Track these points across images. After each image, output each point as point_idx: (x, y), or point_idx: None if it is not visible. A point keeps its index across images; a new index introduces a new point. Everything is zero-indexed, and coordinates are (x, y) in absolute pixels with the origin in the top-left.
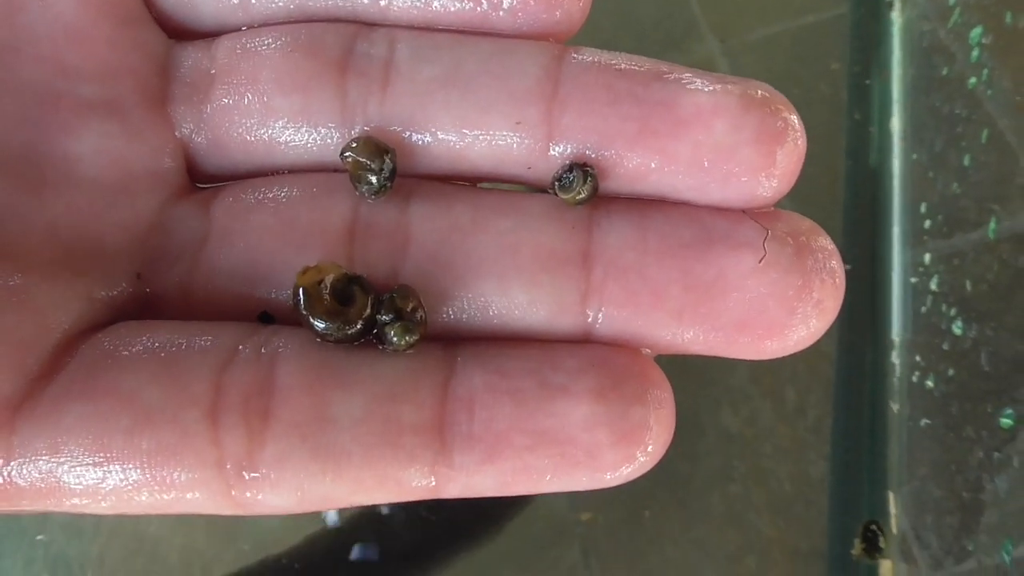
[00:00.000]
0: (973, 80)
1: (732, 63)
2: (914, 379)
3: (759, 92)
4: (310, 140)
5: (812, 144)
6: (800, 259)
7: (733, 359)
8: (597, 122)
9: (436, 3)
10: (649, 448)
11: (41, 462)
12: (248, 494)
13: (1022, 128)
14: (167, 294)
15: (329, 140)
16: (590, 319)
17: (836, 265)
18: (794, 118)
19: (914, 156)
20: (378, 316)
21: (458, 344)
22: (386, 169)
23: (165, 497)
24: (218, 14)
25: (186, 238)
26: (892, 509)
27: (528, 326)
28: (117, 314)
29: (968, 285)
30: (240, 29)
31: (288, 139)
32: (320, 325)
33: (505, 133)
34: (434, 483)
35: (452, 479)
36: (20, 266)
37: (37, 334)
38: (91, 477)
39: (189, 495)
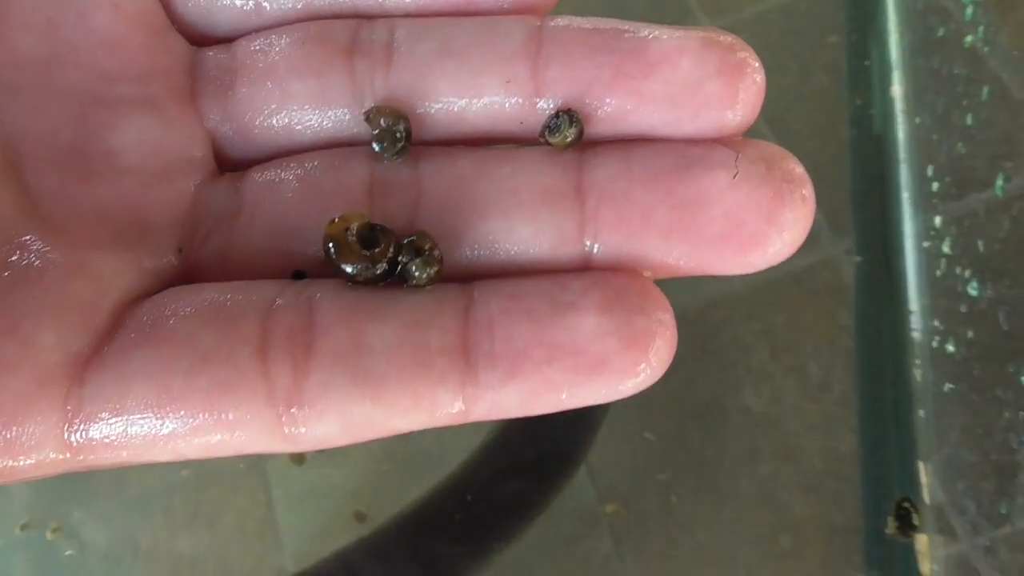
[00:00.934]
0: (970, 38)
1: None
2: (934, 344)
3: (718, 35)
4: (326, 119)
5: (815, 116)
6: (770, 174)
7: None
8: (577, 73)
9: None
10: (654, 354)
11: (111, 409)
12: (297, 423)
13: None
14: (207, 263)
15: (343, 117)
16: (588, 246)
17: (804, 178)
18: (751, 55)
19: (917, 120)
20: (400, 258)
21: (473, 281)
22: (406, 130)
23: (223, 435)
24: (233, 21)
25: (220, 213)
26: (924, 479)
27: (534, 258)
28: (164, 284)
29: (980, 245)
30: (253, 32)
31: (306, 120)
32: (349, 268)
33: (497, 93)
34: (463, 404)
35: (479, 397)
36: (79, 242)
37: (99, 297)
38: (156, 419)
39: (244, 431)
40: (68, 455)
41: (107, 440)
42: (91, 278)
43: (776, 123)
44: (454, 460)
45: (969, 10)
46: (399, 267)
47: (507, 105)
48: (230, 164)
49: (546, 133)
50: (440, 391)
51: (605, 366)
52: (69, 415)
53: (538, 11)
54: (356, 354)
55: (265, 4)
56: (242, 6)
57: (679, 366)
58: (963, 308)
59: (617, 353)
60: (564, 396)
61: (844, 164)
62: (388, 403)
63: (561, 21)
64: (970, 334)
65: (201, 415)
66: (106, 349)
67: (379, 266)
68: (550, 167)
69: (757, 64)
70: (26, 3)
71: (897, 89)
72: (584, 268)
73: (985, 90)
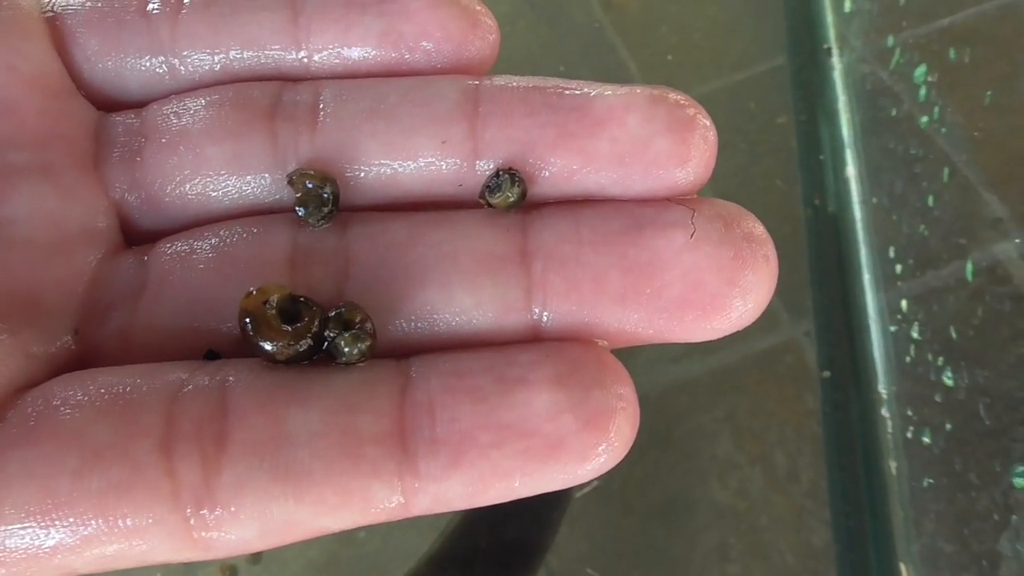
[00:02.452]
0: (925, 119)
1: None
2: (908, 435)
3: (666, 92)
4: (244, 185)
5: (768, 195)
6: (729, 233)
7: (716, 432)
8: (518, 133)
9: (355, 52)
10: (615, 432)
11: (10, 516)
12: (208, 527)
13: (982, 162)
14: (107, 346)
15: (263, 183)
16: (536, 314)
17: (764, 237)
18: (701, 112)
19: (874, 200)
20: (327, 333)
21: (410, 357)
22: (332, 193)
23: (120, 546)
24: (145, 84)
25: (123, 290)
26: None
27: (477, 329)
28: (56, 370)
29: (953, 332)
30: (167, 96)
31: (222, 187)
32: (268, 346)
33: (432, 154)
34: (402, 498)
35: (420, 490)
36: None
37: None
38: (40, 529)
39: (145, 539)
40: None
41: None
42: None
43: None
44: (403, 565)
45: (923, 91)
46: (325, 343)
47: (443, 167)
48: (139, 236)
49: (486, 193)
50: (374, 485)
51: (561, 448)
52: None
53: (474, 71)
54: (275, 445)
55: (180, 67)
56: (155, 69)
57: (642, 457)
58: (938, 398)
59: (574, 433)
60: (516, 484)
61: (800, 244)
62: (313, 501)
63: (499, 80)
64: (948, 426)
65: (93, 523)
66: None
67: (302, 343)
68: (492, 230)
69: (708, 121)
70: None
71: (851, 169)
72: (533, 339)
73: (946, 171)
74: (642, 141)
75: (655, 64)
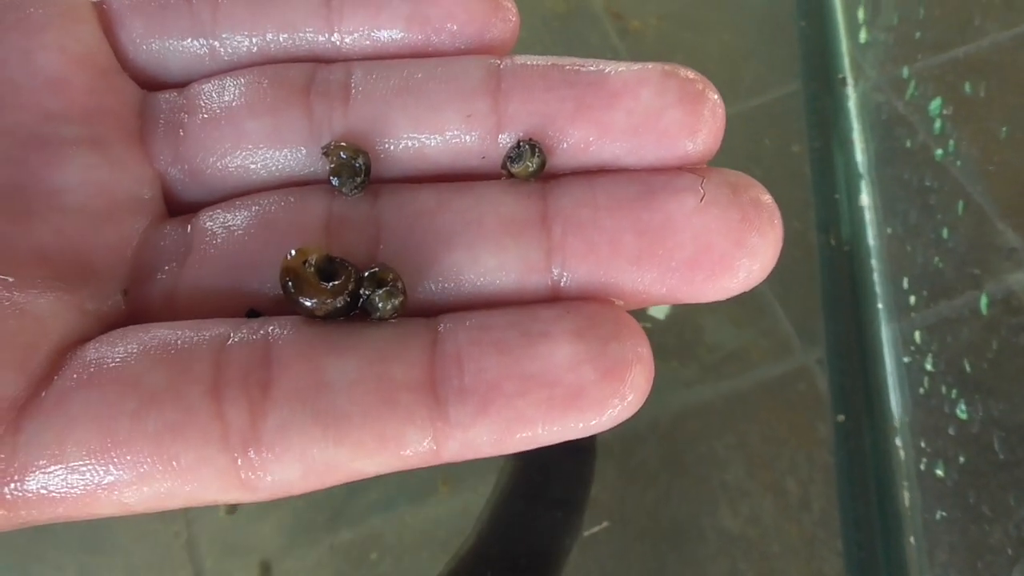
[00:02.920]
0: (940, 152)
1: None
2: (922, 467)
3: (675, 67)
4: (281, 158)
5: (783, 222)
6: (736, 198)
7: (727, 458)
8: (538, 106)
9: (384, 34)
10: (631, 383)
11: (50, 456)
12: (254, 467)
13: (997, 193)
14: (154, 306)
15: (299, 156)
16: (556, 274)
17: (771, 204)
18: (710, 87)
19: (889, 230)
20: (362, 290)
21: (438, 315)
22: (365, 164)
23: (173, 483)
24: (186, 65)
25: (169, 254)
26: None
27: (501, 289)
28: (107, 327)
29: (967, 364)
30: (207, 77)
31: (261, 160)
32: (308, 302)
33: (458, 128)
34: (433, 443)
35: (450, 435)
36: (15, 282)
37: (36, 339)
38: (100, 467)
39: (196, 478)
40: (1, 511)
41: (45, 492)
42: (29, 318)
43: None
44: None
45: (937, 124)
46: (360, 300)
47: (468, 140)
48: (181, 207)
49: (508, 163)
50: (408, 429)
51: (581, 397)
52: (2, 466)
53: (496, 52)
54: (316, 391)
55: (220, 48)
56: (196, 51)
57: (653, 482)
58: (952, 430)
59: (593, 383)
60: (539, 431)
61: (813, 271)
62: (352, 443)
63: (519, 59)
64: (961, 459)
65: (149, 461)
66: (44, 394)
67: (339, 299)
68: (514, 197)
69: (716, 96)
70: None
71: (866, 198)
72: (553, 298)
73: (961, 204)
74: (655, 113)
75: None
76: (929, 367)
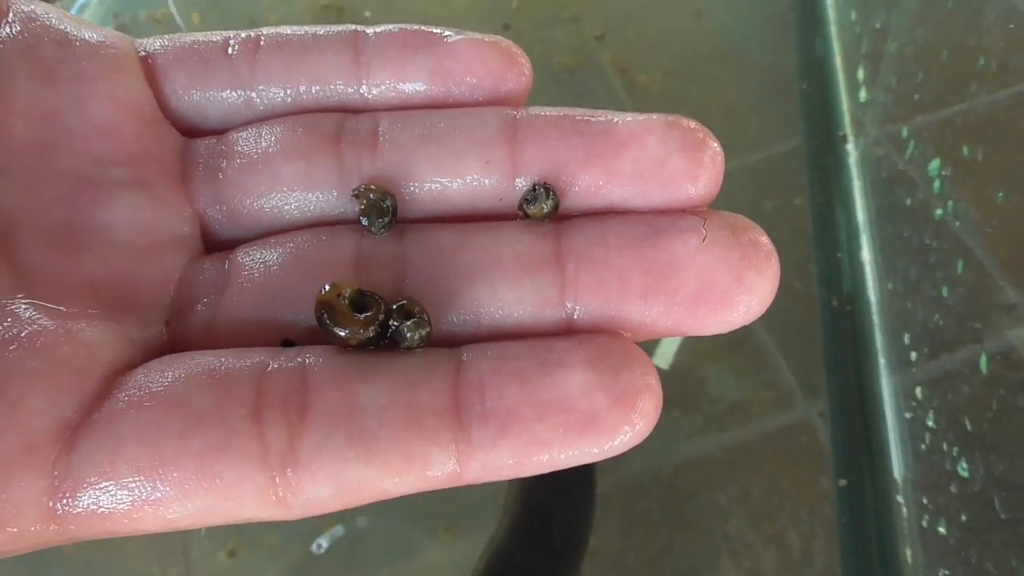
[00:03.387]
0: (939, 211)
1: None
2: (924, 523)
3: (678, 118)
4: (313, 200)
5: (783, 275)
6: (736, 238)
7: (728, 509)
8: (551, 153)
9: (408, 87)
10: (641, 411)
11: (101, 473)
12: (290, 486)
13: (997, 250)
14: (193, 336)
15: (330, 198)
16: (569, 308)
17: (768, 244)
18: (710, 136)
19: (889, 285)
20: (391, 322)
21: (461, 346)
22: (392, 205)
23: (215, 500)
24: (224, 114)
25: (208, 288)
26: None
27: (518, 322)
28: (150, 355)
29: (967, 422)
30: (243, 125)
31: (294, 201)
32: (342, 332)
33: (478, 172)
34: (457, 465)
35: (472, 457)
36: (69, 312)
37: (89, 363)
38: (148, 483)
39: (237, 495)
40: (53, 526)
41: (96, 507)
42: (81, 345)
43: None
44: None
45: (937, 184)
46: (389, 331)
47: (487, 183)
48: (218, 244)
49: (524, 205)
50: (433, 450)
51: (594, 422)
52: (56, 482)
53: (511, 103)
54: (349, 415)
55: (256, 99)
56: (233, 101)
57: (655, 533)
58: (953, 488)
59: (605, 409)
60: (555, 454)
61: (815, 324)
62: (381, 463)
63: (534, 110)
64: (963, 517)
65: (194, 478)
66: (96, 415)
67: (370, 329)
68: (530, 236)
69: (716, 144)
70: (27, 91)
71: (866, 254)
72: (567, 330)
73: (960, 263)
74: (659, 160)
75: None
76: (931, 423)
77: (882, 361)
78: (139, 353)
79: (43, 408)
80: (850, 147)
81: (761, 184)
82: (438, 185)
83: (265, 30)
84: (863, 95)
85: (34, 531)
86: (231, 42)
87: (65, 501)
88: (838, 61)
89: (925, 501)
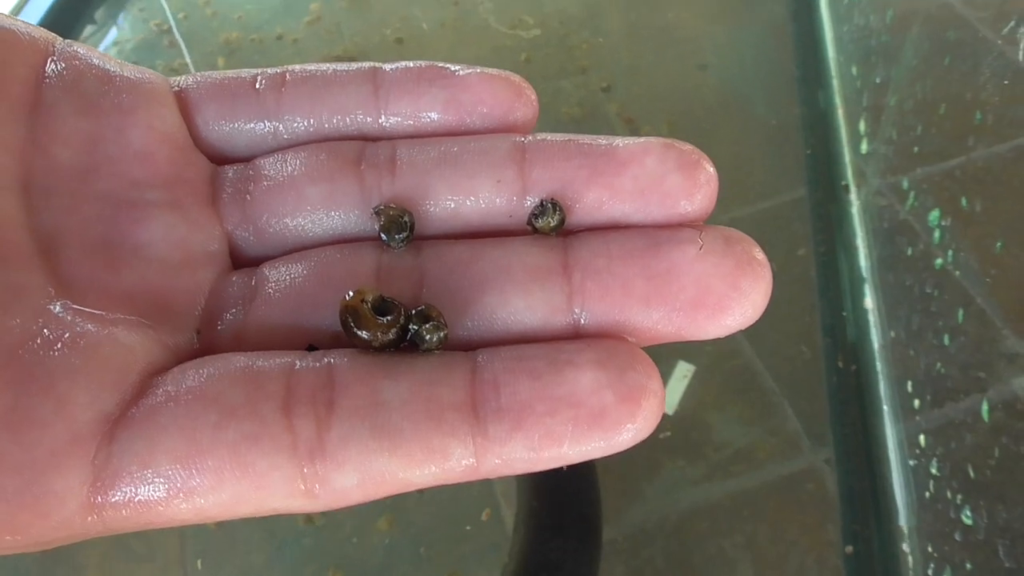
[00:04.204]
0: (940, 261)
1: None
2: (930, 572)
3: (674, 141)
4: (336, 219)
5: (788, 324)
6: (730, 248)
7: (734, 558)
8: (558, 173)
9: (423, 116)
10: (646, 408)
11: (139, 462)
12: (318, 476)
13: (999, 298)
14: (222, 343)
15: (351, 217)
16: (576, 314)
17: (760, 253)
18: (704, 157)
19: (892, 334)
20: (411, 326)
21: (476, 350)
22: (411, 221)
23: (247, 489)
24: (251, 144)
25: (236, 300)
26: None
27: (528, 327)
28: (183, 360)
29: (971, 470)
30: (269, 152)
31: (318, 220)
32: (366, 335)
33: (489, 191)
34: (473, 458)
35: (488, 450)
36: (108, 317)
37: (128, 362)
38: (184, 472)
39: (268, 484)
40: (92, 516)
41: (133, 496)
42: (120, 346)
43: (750, 329)
44: None
45: (937, 234)
46: (409, 334)
47: (498, 201)
48: (246, 261)
49: (533, 219)
50: (452, 443)
51: (603, 418)
52: (96, 470)
53: (520, 131)
54: (374, 409)
55: (281, 129)
56: (260, 131)
57: None
58: (957, 535)
59: (613, 406)
60: (566, 448)
61: (820, 371)
62: (404, 454)
63: (541, 135)
64: (968, 565)
65: (228, 467)
66: (134, 410)
67: (392, 331)
68: (538, 248)
69: (710, 165)
70: (71, 121)
71: (870, 302)
72: (575, 335)
73: (960, 312)
74: (658, 178)
75: None
76: (935, 471)
77: (886, 408)
78: (172, 358)
79: (87, 402)
80: (852, 197)
81: (766, 233)
82: (452, 203)
83: (291, 67)
84: (864, 147)
85: (73, 522)
86: (259, 78)
87: (105, 491)
88: (840, 114)
89: (930, 549)
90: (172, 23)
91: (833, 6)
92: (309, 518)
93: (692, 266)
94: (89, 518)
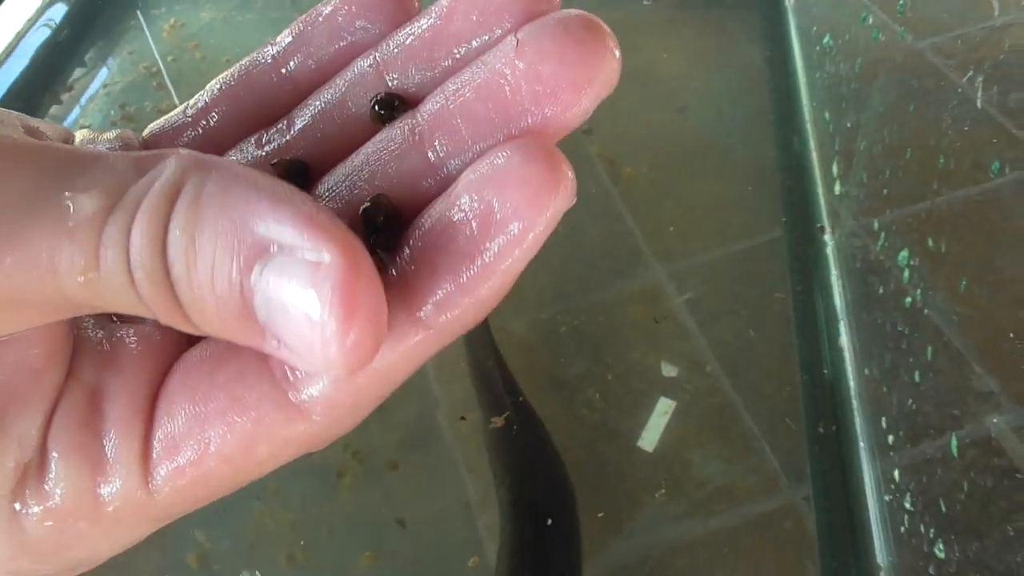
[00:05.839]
0: (909, 299)
1: (680, 286)
2: None
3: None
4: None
5: (768, 360)
6: (543, 29)
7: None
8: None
9: None
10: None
11: (183, 426)
12: (298, 386)
13: (970, 336)
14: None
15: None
16: (444, 172)
17: (578, 15)
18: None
19: (866, 371)
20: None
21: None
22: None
23: (250, 418)
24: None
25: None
26: None
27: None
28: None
29: (943, 505)
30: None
31: None
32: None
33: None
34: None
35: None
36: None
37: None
38: (199, 426)
39: (264, 414)
40: (141, 493)
41: (182, 464)
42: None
43: (730, 367)
44: None
45: (906, 273)
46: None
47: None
48: None
49: (378, 116)
50: None
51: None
52: (146, 451)
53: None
54: None
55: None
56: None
57: None
58: (932, 570)
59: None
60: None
61: (798, 409)
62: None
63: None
64: None
65: (225, 403)
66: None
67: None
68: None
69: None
70: None
71: (845, 340)
72: (447, 187)
73: (929, 350)
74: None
75: (659, 232)
76: (908, 506)
77: (862, 445)
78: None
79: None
80: (827, 238)
81: (744, 274)
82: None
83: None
84: (838, 189)
85: (129, 508)
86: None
87: (156, 468)
88: (814, 157)
89: None
90: (161, 65)
91: (806, 53)
92: (291, 557)
93: (515, 68)
94: (139, 494)
